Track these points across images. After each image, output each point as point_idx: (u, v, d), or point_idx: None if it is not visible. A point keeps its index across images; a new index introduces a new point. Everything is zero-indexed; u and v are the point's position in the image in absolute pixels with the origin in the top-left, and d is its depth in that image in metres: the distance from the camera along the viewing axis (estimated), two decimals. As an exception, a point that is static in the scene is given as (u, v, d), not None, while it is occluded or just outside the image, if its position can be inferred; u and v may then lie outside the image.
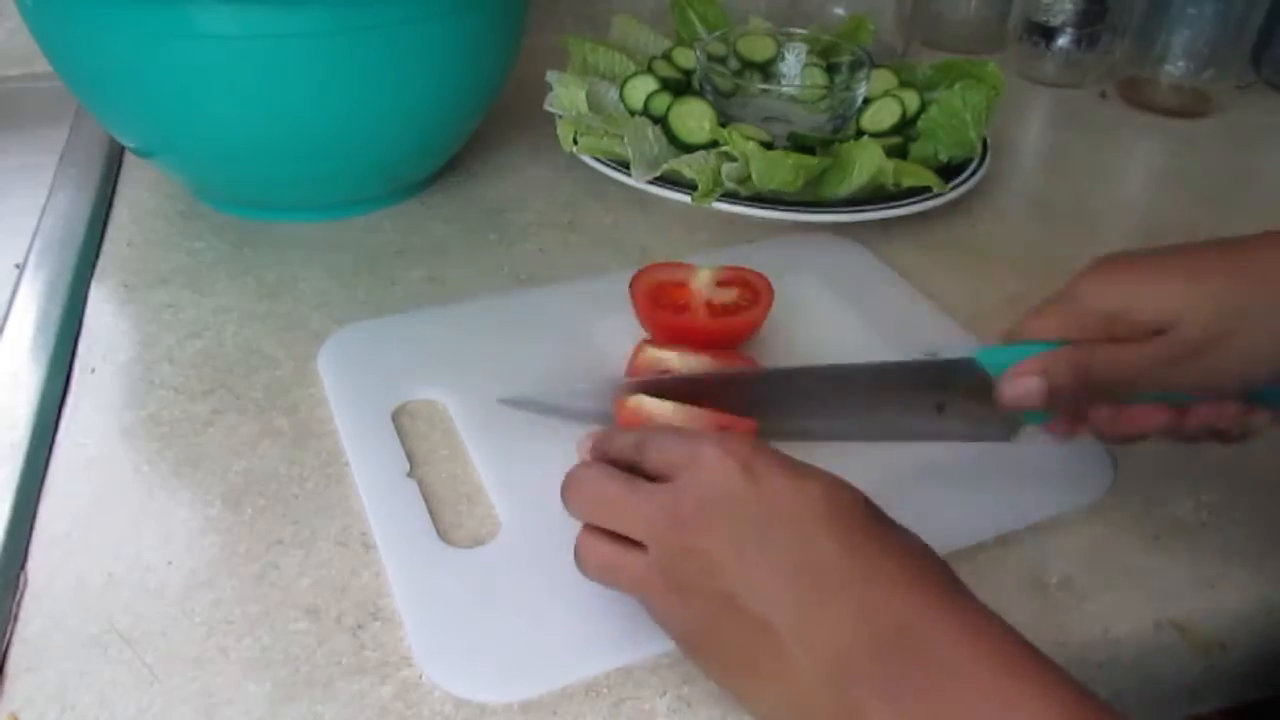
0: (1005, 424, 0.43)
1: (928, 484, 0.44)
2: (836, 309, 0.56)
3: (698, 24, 0.81)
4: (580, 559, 0.36)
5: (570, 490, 0.37)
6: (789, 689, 0.31)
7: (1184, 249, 0.40)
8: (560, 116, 0.68)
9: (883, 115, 0.69)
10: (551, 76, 0.71)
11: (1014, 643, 0.30)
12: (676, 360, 0.48)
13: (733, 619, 0.32)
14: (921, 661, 0.29)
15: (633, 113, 0.67)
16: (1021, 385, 0.39)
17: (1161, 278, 0.39)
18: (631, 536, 0.35)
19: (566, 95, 0.69)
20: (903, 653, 0.29)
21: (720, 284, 0.52)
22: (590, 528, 0.36)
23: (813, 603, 0.31)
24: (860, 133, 0.67)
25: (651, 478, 0.35)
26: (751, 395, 0.44)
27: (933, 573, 0.32)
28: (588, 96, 0.69)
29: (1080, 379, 0.39)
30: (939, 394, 0.42)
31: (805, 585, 0.31)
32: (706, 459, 0.34)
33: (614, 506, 0.35)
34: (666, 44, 0.78)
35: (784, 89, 0.74)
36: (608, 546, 0.35)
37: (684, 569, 0.33)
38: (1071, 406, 0.41)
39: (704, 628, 0.33)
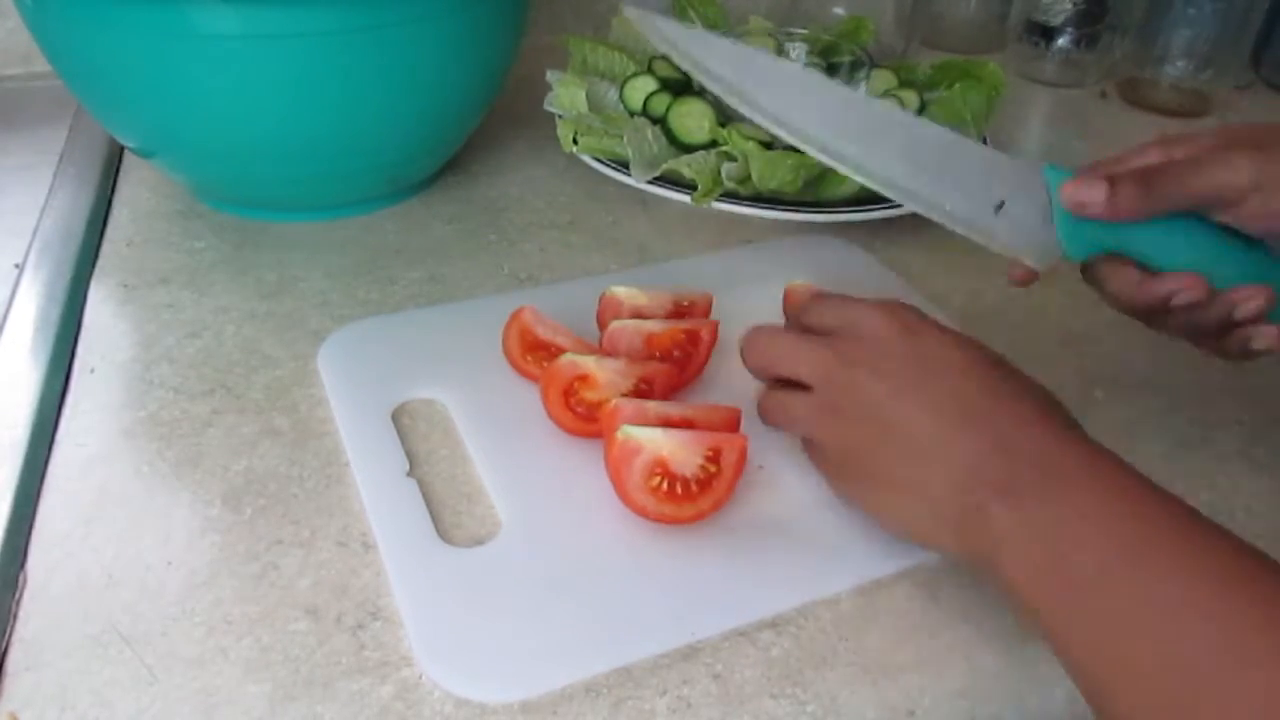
0: (1045, 249, 0.44)
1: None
2: (836, 309, 0.56)
3: (698, 24, 0.81)
4: (761, 407, 0.43)
5: (750, 345, 0.43)
6: (923, 498, 0.37)
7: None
8: (560, 116, 0.68)
9: (883, 115, 0.69)
10: (551, 76, 0.71)
11: (1127, 469, 0.34)
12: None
13: (884, 443, 0.38)
14: (1043, 475, 0.34)
15: (633, 113, 0.67)
16: (1086, 187, 0.42)
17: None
18: (801, 379, 0.41)
19: (566, 95, 0.69)
20: (1027, 468, 0.34)
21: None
22: (768, 386, 0.43)
23: (955, 427, 0.36)
24: (860, 133, 0.67)
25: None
26: None
27: (1058, 414, 0.37)
28: (588, 96, 0.69)
29: (1143, 190, 0.41)
30: (1001, 190, 0.44)
31: (950, 414, 0.37)
32: (871, 318, 0.40)
33: (790, 352, 0.42)
34: (666, 44, 0.78)
35: (784, 89, 0.74)
36: (781, 392, 0.42)
37: (847, 403, 0.39)
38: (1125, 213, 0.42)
39: (857, 451, 0.39)
